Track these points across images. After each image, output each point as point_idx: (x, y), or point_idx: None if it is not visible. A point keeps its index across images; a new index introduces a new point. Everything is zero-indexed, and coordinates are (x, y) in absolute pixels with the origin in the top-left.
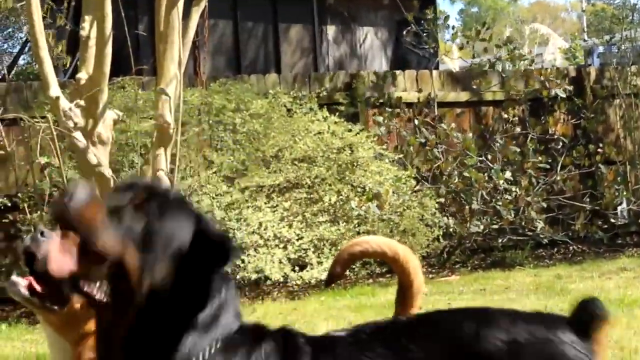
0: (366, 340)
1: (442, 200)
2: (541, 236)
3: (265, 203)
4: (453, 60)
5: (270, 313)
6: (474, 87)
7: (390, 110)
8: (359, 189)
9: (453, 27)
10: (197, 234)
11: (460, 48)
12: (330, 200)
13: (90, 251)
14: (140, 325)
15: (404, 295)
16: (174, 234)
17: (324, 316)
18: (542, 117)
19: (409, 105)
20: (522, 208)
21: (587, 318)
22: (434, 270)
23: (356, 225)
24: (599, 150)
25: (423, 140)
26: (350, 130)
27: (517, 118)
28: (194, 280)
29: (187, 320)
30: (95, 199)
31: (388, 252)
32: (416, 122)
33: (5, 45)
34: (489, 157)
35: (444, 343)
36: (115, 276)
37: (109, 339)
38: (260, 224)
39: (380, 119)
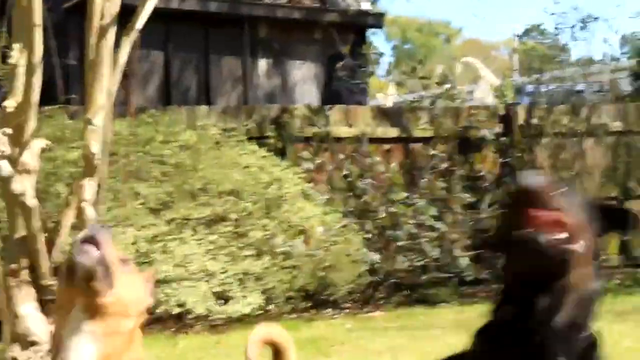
0: None
1: (369, 236)
2: (465, 274)
3: (191, 236)
4: (387, 97)
5: (192, 346)
6: (404, 123)
7: (319, 144)
8: (285, 224)
9: (389, 63)
10: None
11: (398, 84)
12: (256, 235)
13: None
14: None
15: None
16: None
17: None
18: (470, 155)
19: (339, 140)
20: (447, 245)
21: None
22: (358, 306)
23: (281, 260)
24: None
25: (347, 173)
26: (278, 165)
27: (445, 155)
28: None
29: None
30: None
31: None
32: (341, 156)
33: None
34: (416, 193)
35: None
36: None
37: None
38: (185, 256)
39: (307, 154)
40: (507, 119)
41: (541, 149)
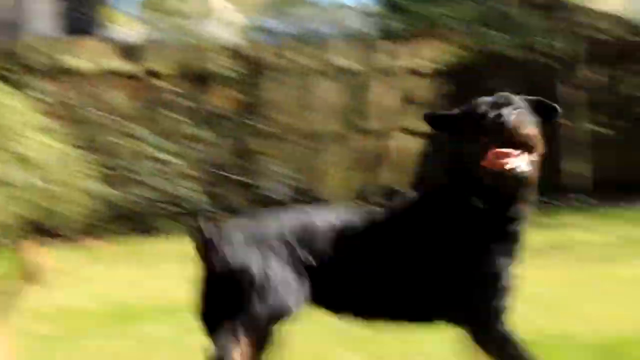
0: None
1: (101, 168)
2: (197, 207)
3: None
4: (128, 32)
5: None
6: (144, 59)
7: (55, 76)
8: (12, 154)
9: None
10: None
11: (139, 19)
12: None
13: None
14: None
15: None
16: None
17: None
18: (208, 91)
19: (76, 73)
20: (179, 179)
21: None
22: (86, 237)
23: (7, 190)
24: (261, 125)
25: (83, 106)
26: (9, 94)
27: (183, 91)
28: None
29: None
30: None
31: None
32: (78, 89)
33: None
34: (152, 128)
35: None
36: None
37: None
38: None
39: (41, 85)
40: (245, 57)
41: (278, 87)
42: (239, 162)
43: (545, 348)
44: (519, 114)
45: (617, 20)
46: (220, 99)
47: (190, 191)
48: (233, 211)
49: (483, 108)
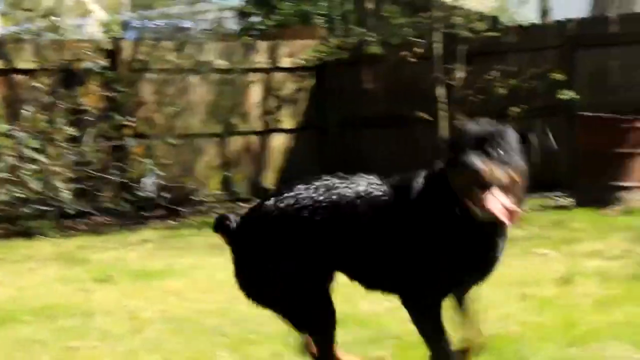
0: None
1: None
2: (67, 207)
3: None
4: None
5: None
6: (7, 55)
7: None
8: None
9: None
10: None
11: (3, 15)
12: None
13: None
14: None
15: None
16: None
17: None
18: (74, 88)
19: None
20: (49, 178)
21: None
22: None
23: None
24: (130, 123)
25: None
26: None
27: (49, 87)
28: None
29: None
30: None
31: None
32: None
33: None
34: (18, 125)
35: None
36: None
37: None
38: None
39: None
40: (113, 54)
41: (146, 84)
42: (110, 160)
43: None
44: (492, 158)
45: (478, 17)
46: (89, 97)
47: (61, 190)
48: (106, 211)
49: (461, 147)
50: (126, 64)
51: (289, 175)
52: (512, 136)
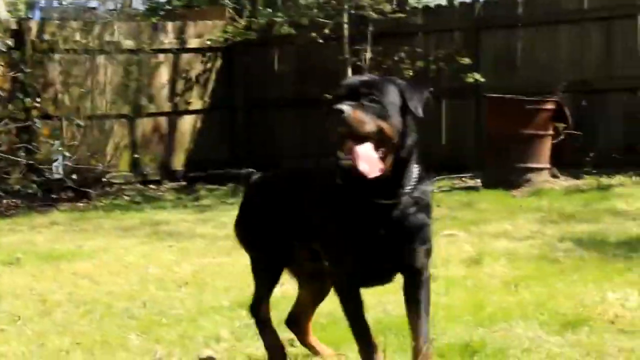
0: None
1: None
2: None
3: None
4: None
5: None
6: None
7: None
8: None
9: None
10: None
11: None
12: None
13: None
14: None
15: None
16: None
17: None
18: None
19: None
20: None
21: None
22: None
23: None
24: (37, 104)
25: None
26: None
27: None
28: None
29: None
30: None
31: None
32: None
33: None
34: None
35: None
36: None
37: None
38: None
39: None
40: (18, 34)
41: (53, 65)
42: (17, 142)
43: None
44: (365, 107)
45: None
46: None
47: None
48: (13, 193)
49: (335, 97)
50: (32, 44)
51: (198, 157)
52: (390, 90)
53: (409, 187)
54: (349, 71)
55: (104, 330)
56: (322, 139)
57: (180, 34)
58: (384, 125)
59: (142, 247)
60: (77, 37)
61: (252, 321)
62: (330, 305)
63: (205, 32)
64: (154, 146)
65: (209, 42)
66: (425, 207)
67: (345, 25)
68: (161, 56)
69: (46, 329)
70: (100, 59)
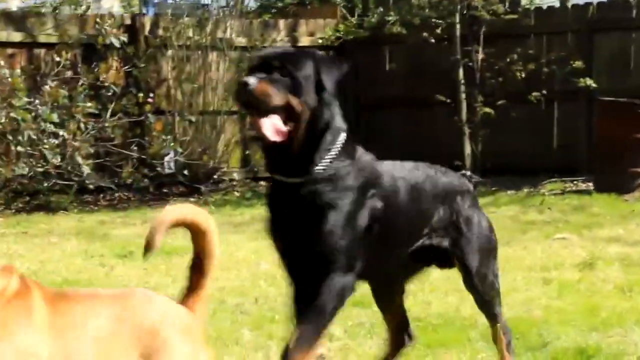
0: None
1: None
2: (87, 182)
3: None
4: (11, 0)
5: None
6: (29, 28)
7: None
8: None
9: None
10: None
11: None
12: None
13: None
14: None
15: (203, 263)
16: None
17: None
18: (95, 64)
19: None
20: (69, 153)
21: None
22: None
23: None
24: (150, 99)
25: None
26: None
27: (69, 62)
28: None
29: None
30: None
31: (201, 224)
32: None
33: None
34: (38, 99)
35: None
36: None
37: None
38: None
39: None
40: (133, 30)
41: (166, 60)
42: (130, 136)
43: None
44: (275, 81)
45: None
46: (108, 73)
47: (81, 165)
48: (125, 187)
49: (248, 68)
50: (146, 39)
51: None
52: (304, 63)
53: (323, 165)
54: (460, 72)
55: (217, 325)
56: (432, 139)
57: (292, 32)
58: (292, 99)
59: (253, 243)
60: (190, 33)
61: (365, 320)
62: (441, 306)
63: (316, 30)
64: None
65: (320, 40)
66: (341, 187)
67: (457, 26)
68: None
69: None
70: (213, 56)
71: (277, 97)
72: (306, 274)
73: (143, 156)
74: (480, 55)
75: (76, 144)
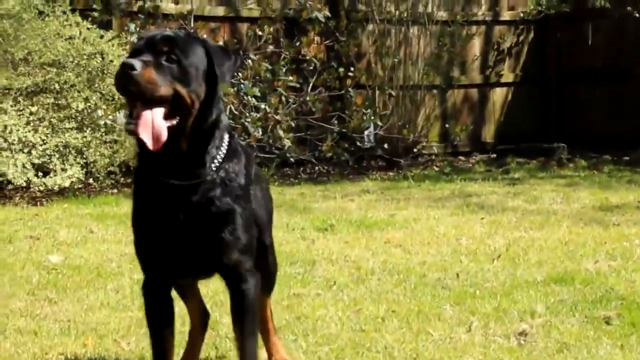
0: None
1: None
2: (288, 155)
3: (12, 106)
4: None
5: (10, 218)
6: (232, 2)
7: (146, 19)
8: (108, 97)
9: None
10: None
11: None
12: (77, 107)
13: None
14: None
15: None
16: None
17: (66, 223)
18: (296, 38)
19: (165, 15)
20: (270, 126)
21: None
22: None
23: (103, 134)
24: (350, 74)
25: None
26: (102, 37)
27: (271, 37)
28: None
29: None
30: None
31: None
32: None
33: None
34: (241, 73)
35: None
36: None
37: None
38: (5, 127)
39: (133, 26)
40: (333, 4)
41: (367, 35)
42: (330, 110)
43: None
44: (161, 67)
45: None
46: (309, 47)
47: (285, 139)
48: (325, 160)
49: (131, 52)
50: (346, 14)
51: (508, 129)
52: (195, 50)
53: (214, 166)
54: None
55: (418, 299)
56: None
57: (494, 6)
58: (181, 89)
59: (453, 218)
60: (391, 7)
61: (566, 297)
62: None
63: (518, 4)
64: (464, 118)
65: (522, 14)
66: (235, 190)
67: None
68: (474, 28)
69: (361, 296)
70: (413, 30)
71: (164, 87)
72: (188, 274)
73: (343, 130)
74: None
75: (277, 117)
